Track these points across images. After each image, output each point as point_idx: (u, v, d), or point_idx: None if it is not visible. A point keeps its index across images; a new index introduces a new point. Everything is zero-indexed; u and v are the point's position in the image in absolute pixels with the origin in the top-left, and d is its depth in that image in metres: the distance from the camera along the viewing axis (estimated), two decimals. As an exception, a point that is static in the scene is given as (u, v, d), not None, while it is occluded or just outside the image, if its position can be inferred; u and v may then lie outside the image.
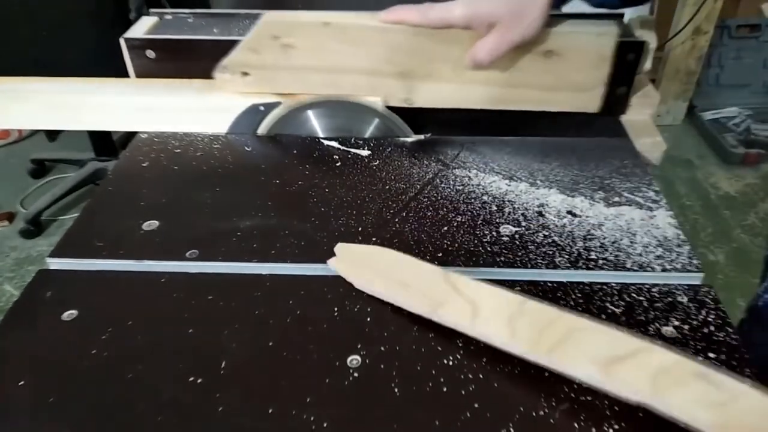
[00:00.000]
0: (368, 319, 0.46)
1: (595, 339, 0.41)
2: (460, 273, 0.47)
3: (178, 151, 0.68)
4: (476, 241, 0.54)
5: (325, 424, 0.39)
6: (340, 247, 0.52)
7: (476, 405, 0.40)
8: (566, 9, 0.70)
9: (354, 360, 0.43)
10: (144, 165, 0.66)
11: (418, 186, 0.61)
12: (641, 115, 0.72)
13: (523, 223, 0.56)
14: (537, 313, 0.43)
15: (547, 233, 0.55)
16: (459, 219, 0.56)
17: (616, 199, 0.59)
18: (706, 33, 2.19)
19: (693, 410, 0.36)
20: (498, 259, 0.52)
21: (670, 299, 0.48)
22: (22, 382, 0.42)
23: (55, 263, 0.53)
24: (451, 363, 0.43)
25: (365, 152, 0.66)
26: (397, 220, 0.57)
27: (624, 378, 0.38)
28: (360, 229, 0.55)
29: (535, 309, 0.43)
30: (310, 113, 0.71)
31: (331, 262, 0.51)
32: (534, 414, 0.39)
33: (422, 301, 0.46)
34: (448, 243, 0.53)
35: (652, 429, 0.38)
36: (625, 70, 0.68)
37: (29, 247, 1.76)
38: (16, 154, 2.18)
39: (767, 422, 0.35)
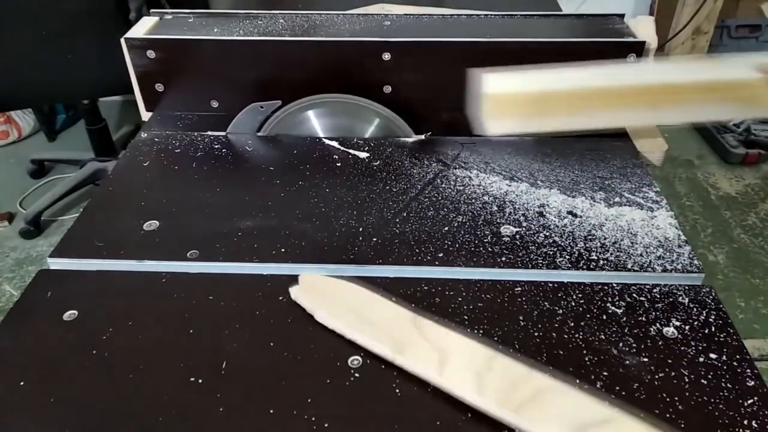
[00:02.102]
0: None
1: (565, 403, 0.39)
2: (431, 319, 0.45)
3: (178, 151, 0.68)
4: (477, 242, 0.54)
5: (325, 424, 0.39)
6: (305, 278, 0.49)
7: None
8: (567, 9, 0.70)
9: (355, 360, 0.43)
10: (144, 165, 0.66)
11: (419, 186, 0.61)
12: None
13: (524, 224, 0.56)
14: (507, 370, 0.41)
15: (547, 233, 0.55)
16: (460, 219, 0.56)
17: (617, 199, 0.59)
18: (706, 33, 2.19)
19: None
20: (499, 260, 0.52)
21: (671, 300, 0.48)
22: (22, 382, 0.42)
23: (56, 263, 0.53)
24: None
25: (364, 154, 0.66)
26: (397, 220, 0.56)
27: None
28: (360, 229, 0.55)
29: (504, 365, 0.41)
30: (311, 113, 0.71)
31: (292, 290, 0.48)
32: (535, 414, 0.39)
33: (385, 342, 0.43)
34: (449, 243, 0.53)
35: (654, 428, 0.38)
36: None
37: (29, 247, 1.76)
38: (16, 154, 2.17)
39: None
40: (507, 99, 0.57)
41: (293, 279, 0.50)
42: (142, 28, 0.74)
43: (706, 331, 0.45)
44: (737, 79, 0.57)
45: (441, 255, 0.52)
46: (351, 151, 0.67)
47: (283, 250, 0.53)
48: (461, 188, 0.61)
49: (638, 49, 0.68)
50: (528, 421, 0.38)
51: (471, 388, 0.40)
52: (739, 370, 0.42)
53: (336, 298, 0.48)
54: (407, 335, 0.44)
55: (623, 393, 0.40)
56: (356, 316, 0.46)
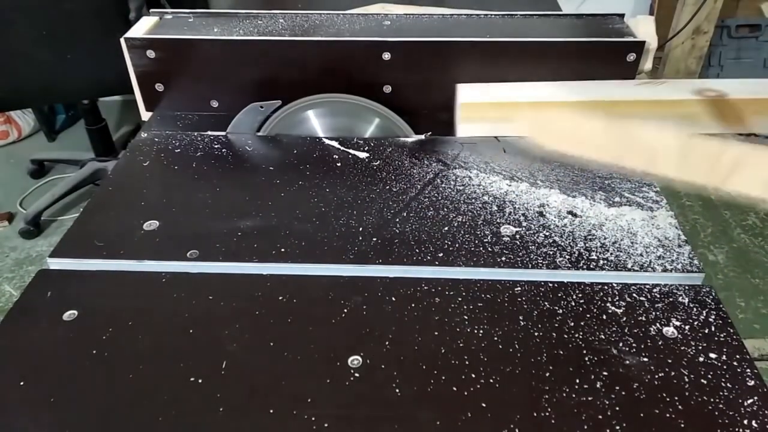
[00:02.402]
0: (369, 320, 0.46)
1: (755, 160, 0.46)
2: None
3: (178, 151, 0.68)
4: (477, 241, 0.54)
5: (325, 424, 0.39)
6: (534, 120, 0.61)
7: (477, 405, 0.40)
8: (567, 9, 0.70)
9: (355, 360, 0.43)
10: (144, 165, 0.66)
11: (419, 186, 0.61)
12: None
13: (524, 224, 0.56)
14: (702, 148, 0.48)
15: (547, 233, 0.55)
16: (460, 219, 0.56)
17: (617, 199, 0.59)
18: (706, 33, 2.19)
19: None
20: (499, 260, 0.52)
21: (671, 299, 0.48)
22: (22, 383, 0.42)
23: (55, 263, 0.53)
24: (451, 363, 0.43)
25: (363, 154, 0.66)
26: (397, 220, 0.56)
27: None
28: (360, 229, 0.55)
29: (700, 145, 0.49)
30: (311, 113, 0.71)
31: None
32: (535, 414, 0.39)
33: (606, 155, 0.54)
34: (449, 243, 0.53)
35: (654, 428, 0.38)
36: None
37: (29, 247, 1.76)
38: (16, 154, 2.17)
39: None
40: (476, 107, 0.67)
41: (293, 279, 0.50)
42: (142, 27, 0.74)
43: (706, 331, 0.45)
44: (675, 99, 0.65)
45: (441, 255, 0.52)
46: (351, 151, 0.67)
47: (283, 250, 0.53)
48: (461, 188, 0.61)
49: (638, 49, 0.68)
50: (735, 187, 0.46)
51: (677, 172, 0.49)
52: (738, 370, 0.42)
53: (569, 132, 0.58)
54: (621, 143, 0.53)
55: (623, 393, 0.40)
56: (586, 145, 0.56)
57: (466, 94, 0.68)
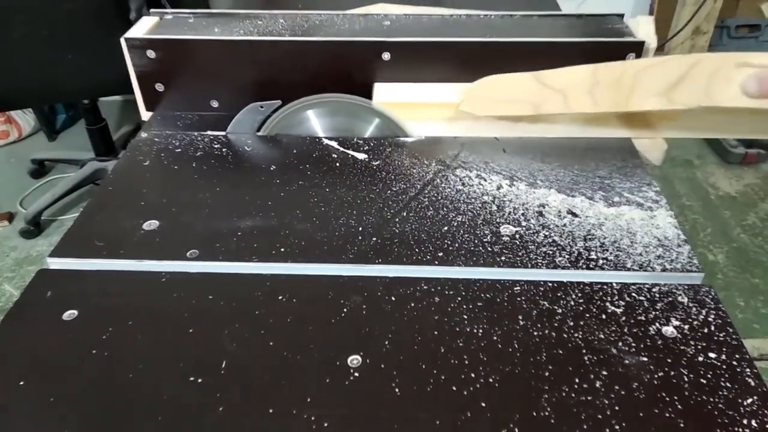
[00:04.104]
0: (368, 319, 0.46)
1: (651, 76, 0.53)
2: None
3: (178, 151, 0.68)
4: (476, 241, 0.54)
5: (325, 424, 0.39)
6: (466, 93, 0.66)
7: (477, 405, 0.40)
8: (567, 9, 0.70)
9: (354, 360, 0.43)
10: (144, 165, 0.66)
11: (419, 186, 0.61)
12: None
13: (524, 223, 0.56)
14: (607, 77, 0.56)
15: (547, 233, 0.55)
16: (459, 219, 0.56)
17: (617, 199, 0.59)
18: (706, 33, 2.19)
19: (740, 98, 0.48)
20: (498, 259, 0.52)
21: (670, 299, 0.48)
22: (22, 382, 0.42)
23: (55, 263, 0.53)
24: (451, 363, 0.43)
25: (363, 155, 0.66)
26: (397, 219, 0.57)
27: (683, 99, 0.50)
28: (360, 228, 0.55)
29: (604, 75, 0.56)
30: (311, 113, 0.71)
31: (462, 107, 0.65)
32: (534, 414, 0.39)
33: (527, 108, 0.62)
34: (449, 243, 0.53)
35: (654, 428, 0.38)
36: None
37: (29, 247, 1.76)
38: (16, 154, 2.18)
39: None
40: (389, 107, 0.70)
41: (293, 279, 0.50)
42: (142, 28, 0.74)
43: (706, 331, 0.45)
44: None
45: (440, 254, 0.52)
46: (350, 152, 0.67)
47: (282, 249, 0.53)
48: (461, 188, 0.61)
49: (638, 49, 0.68)
50: (633, 106, 0.54)
51: (590, 105, 0.57)
52: (738, 370, 0.42)
53: (488, 93, 0.65)
54: (537, 94, 0.61)
55: (622, 392, 0.40)
56: (502, 101, 0.63)
57: (380, 93, 0.70)
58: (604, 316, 0.46)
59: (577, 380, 0.41)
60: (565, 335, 0.45)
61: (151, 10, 0.80)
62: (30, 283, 0.50)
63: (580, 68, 0.59)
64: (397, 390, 0.41)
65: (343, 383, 0.41)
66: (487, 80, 0.67)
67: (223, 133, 0.71)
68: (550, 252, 0.52)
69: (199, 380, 0.42)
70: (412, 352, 0.44)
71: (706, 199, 1.94)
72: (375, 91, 0.71)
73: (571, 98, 0.59)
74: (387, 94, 0.70)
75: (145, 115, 0.77)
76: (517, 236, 0.54)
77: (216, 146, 0.69)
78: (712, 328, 0.45)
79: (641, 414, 0.39)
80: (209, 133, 0.71)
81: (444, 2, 0.98)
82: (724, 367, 0.42)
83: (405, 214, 0.57)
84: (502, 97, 0.65)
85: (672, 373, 0.42)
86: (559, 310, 0.47)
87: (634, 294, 0.48)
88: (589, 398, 0.40)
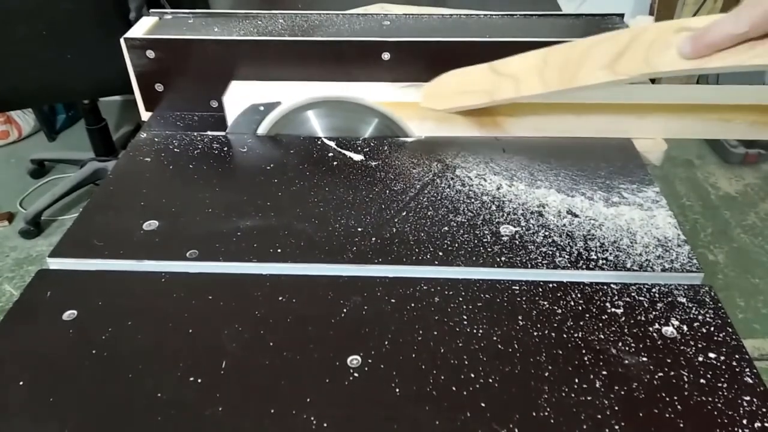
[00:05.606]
0: (368, 319, 0.46)
1: (597, 51, 0.53)
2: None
3: (178, 151, 0.68)
4: (476, 241, 0.54)
5: (325, 424, 0.39)
6: (426, 90, 0.67)
7: (477, 405, 0.40)
8: (567, 9, 0.70)
9: (354, 360, 0.43)
10: (144, 165, 0.66)
11: (418, 186, 0.61)
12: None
13: (523, 223, 0.56)
14: (556, 58, 0.56)
15: (547, 233, 0.55)
16: (459, 219, 0.56)
17: (616, 199, 0.59)
18: (706, 33, 2.19)
19: (678, 62, 0.47)
20: (498, 259, 0.52)
21: (670, 299, 0.48)
22: (22, 382, 0.42)
23: (55, 263, 0.53)
24: (451, 363, 0.43)
25: (361, 156, 0.66)
26: (397, 220, 0.57)
27: (626, 70, 0.50)
28: (360, 229, 0.55)
29: (554, 57, 0.56)
30: (310, 113, 0.71)
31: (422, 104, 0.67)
32: (534, 414, 0.39)
33: (483, 97, 0.62)
34: (448, 243, 0.53)
35: (653, 428, 0.38)
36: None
37: (29, 247, 1.76)
38: (16, 154, 2.18)
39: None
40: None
41: (293, 279, 0.50)
42: (142, 28, 0.74)
43: (706, 331, 0.45)
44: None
45: (440, 254, 0.52)
46: (349, 152, 0.67)
47: (282, 250, 0.53)
48: (461, 188, 0.61)
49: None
50: (579, 82, 0.54)
51: (540, 88, 0.57)
52: (738, 370, 0.42)
53: (445, 88, 0.66)
54: (492, 82, 0.61)
55: (622, 392, 0.40)
56: (458, 93, 0.65)
57: (233, 91, 0.71)
58: (603, 317, 0.46)
59: (576, 380, 0.41)
60: (564, 335, 0.45)
61: (151, 10, 0.80)
62: (30, 283, 0.50)
63: (532, 53, 0.59)
64: (397, 390, 0.41)
65: (342, 383, 0.41)
66: (445, 76, 0.67)
67: (222, 133, 0.71)
68: (550, 252, 0.52)
69: (199, 380, 0.42)
70: (412, 352, 0.44)
71: (706, 199, 1.94)
72: (229, 88, 0.71)
73: (522, 82, 0.59)
74: (237, 92, 0.70)
75: (145, 115, 0.77)
76: (517, 236, 0.54)
77: (216, 146, 0.69)
78: (712, 328, 0.45)
79: (641, 414, 0.39)
80: (209, 133, 0.71)
81: (444, 2, 0.98)
82: (724, 367, 0.42)
83: (405, 214, 0.57)
84: (458, 89, 0.66)
85: (672, 373, 0.42)
86: (559, 311, 0.47)
87: (633, 294, 0.48)
88: (588, 398, 0.40)
